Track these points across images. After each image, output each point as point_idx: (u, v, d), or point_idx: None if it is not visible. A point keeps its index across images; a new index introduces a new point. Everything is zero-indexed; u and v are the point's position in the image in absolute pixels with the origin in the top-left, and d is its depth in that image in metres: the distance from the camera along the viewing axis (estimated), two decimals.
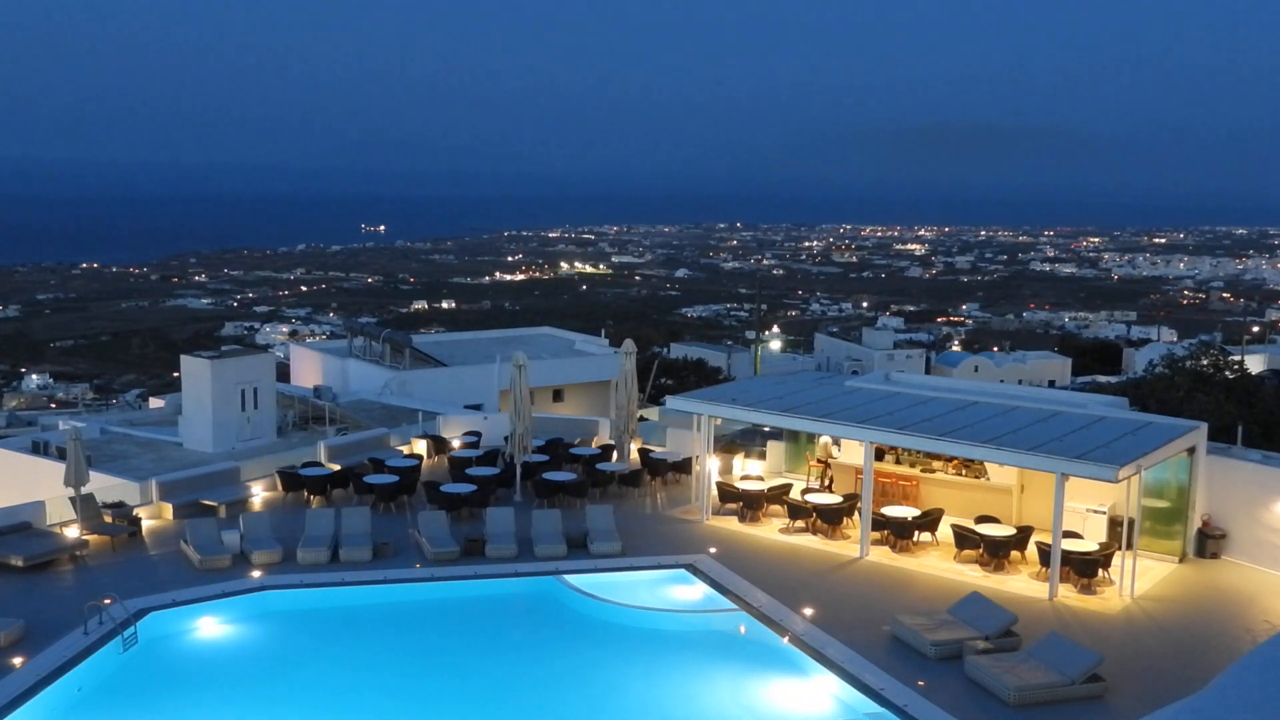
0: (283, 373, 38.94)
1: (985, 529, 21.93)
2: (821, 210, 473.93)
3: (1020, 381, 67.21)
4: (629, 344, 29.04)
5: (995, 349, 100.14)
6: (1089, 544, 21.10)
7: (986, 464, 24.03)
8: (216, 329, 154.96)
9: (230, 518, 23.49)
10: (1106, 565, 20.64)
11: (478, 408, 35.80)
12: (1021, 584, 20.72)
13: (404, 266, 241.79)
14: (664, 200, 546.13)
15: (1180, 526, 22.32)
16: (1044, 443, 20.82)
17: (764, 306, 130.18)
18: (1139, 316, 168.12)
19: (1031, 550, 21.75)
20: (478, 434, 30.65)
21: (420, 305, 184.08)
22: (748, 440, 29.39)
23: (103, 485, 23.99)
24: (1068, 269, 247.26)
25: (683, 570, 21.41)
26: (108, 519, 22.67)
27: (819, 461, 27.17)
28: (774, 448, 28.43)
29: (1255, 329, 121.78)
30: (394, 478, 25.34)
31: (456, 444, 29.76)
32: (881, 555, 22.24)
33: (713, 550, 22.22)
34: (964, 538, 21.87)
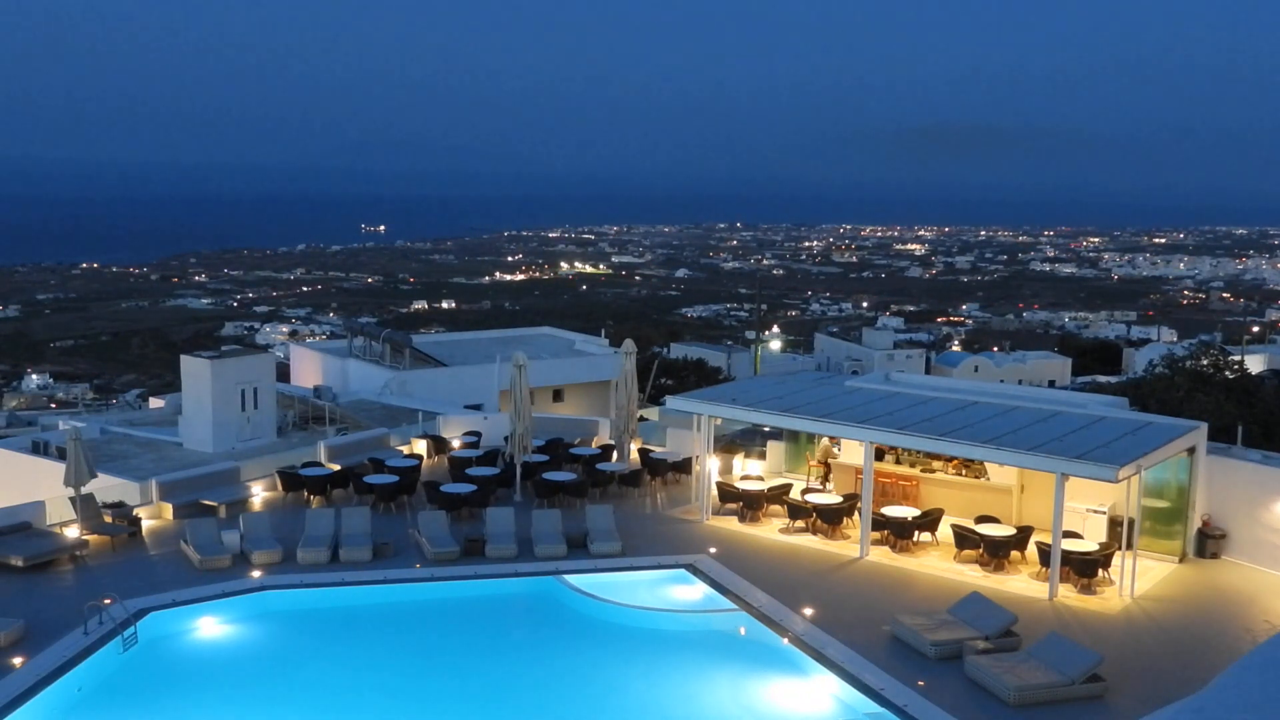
0: (283, 373, 38.94)
1: (985, 529, 21.93)
2: (821, 210, 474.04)
3: (1020, 381, 67.22)
4: (629, 344, 29.04)
5: (995, 349, 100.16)
6: (1089, 544, 21.10)
7: (986, 464, 24.03)
8: (216, 329, 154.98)
9: (230, 518, 23.50)
10: (1106, 565, 20.64)
11: (478, 408, 35.80)
12: (1021, 584, 20.72)
13: (404, 266, 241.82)
14: (664, 200, 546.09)
15: (1180, 526, 22.32)
16: (1044, 443, 20.82)
17: (764, 306, 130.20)
18: (1138, 317, 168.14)
19: (1031, 550, 21.75)
20: (478, 434, 30.65)
21: (420, 305, 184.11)
22: (748, 440, 29.39)
23: (103, 485, 23.98)
24: (1068, 269, 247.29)
25: (683, 570, 21.41)
26: (108, 519, 22.67)
27: (819, 463, 27.17)
28: (774, 448, 28.43)
29: (1255, 329, 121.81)
30: (394, 478, 25.34)
31: (456, 444, 29.76)
32: (881, 555, 22.24)
33: (713, 550, 22.21)
34: (964, 538, 21.86)
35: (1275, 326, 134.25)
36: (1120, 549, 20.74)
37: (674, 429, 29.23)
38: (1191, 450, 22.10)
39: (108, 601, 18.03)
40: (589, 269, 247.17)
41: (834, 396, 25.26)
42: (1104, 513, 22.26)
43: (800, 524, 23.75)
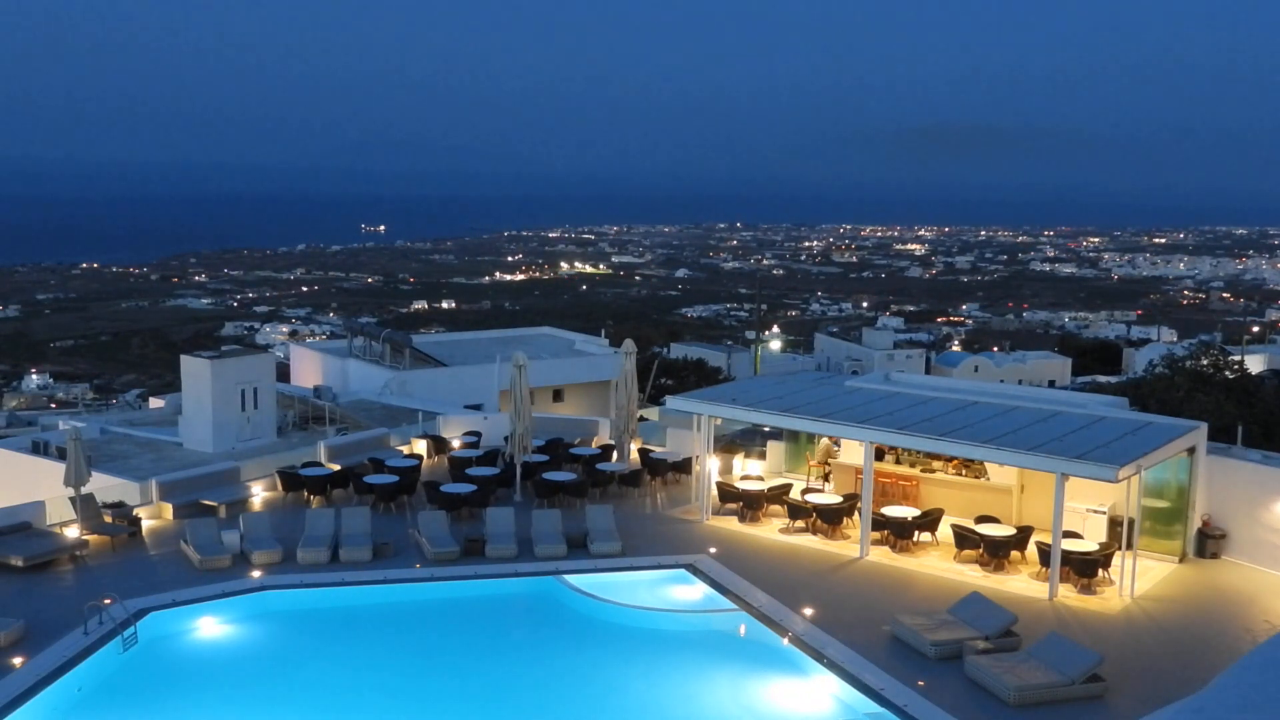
0: (283, 373, 38.94)
1: (985, 529, 21.92)
2: (821, 210, 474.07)
3: (1020, 381, 67.21)
4: (629, 344, 29.04)
5: (995, 349, 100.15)
6: (1089, 544, 21.10)
7: (986, 464, 24.03)
8: (216, 329, 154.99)
9: (230, 518, 23.49)
10: (1106, 565, 20.64)
11: (478, 408, 35.80)
12: (1021, 584, 20.72)
13: (404, 266, 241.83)
14: (664, 200, 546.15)
15: (1180, 526, 22.32)
16: (1044, 443, 20.82)
17: (764, 306, 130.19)
18: (1138, 317, 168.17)
19: (1031, 550, 21.75)
20: (478, 434, 30.65)
21: (420, 305, 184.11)
22: (748, 440, 29.38)
23: (103, 485, 23.99)
24: (1068, 269, 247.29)
25: (683, 570, 21.41)
26: (108, 519, 22.67)
27: (820, 463, 27.17)
28: (774, 448, 28.43)
29: (1255, 329, 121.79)
30: (394, 478, 25.34)
31: (456, 444, 29.76)
32: (881, 555, 22.24)
33: (713, 550, 22.21)
34: (964, 538, 21.86)
35: (1275, 326, 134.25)
36: (1120, 549, 20.74)
37: (674, 429, 29.23)
38: (1191, 450, 22.10)
39: (108, 601, 18.03)
40: (589, 269, 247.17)
41: (834, 396, 25.26)
42: (1104, 513, 22.26)
43: (800, 524, 23.75)
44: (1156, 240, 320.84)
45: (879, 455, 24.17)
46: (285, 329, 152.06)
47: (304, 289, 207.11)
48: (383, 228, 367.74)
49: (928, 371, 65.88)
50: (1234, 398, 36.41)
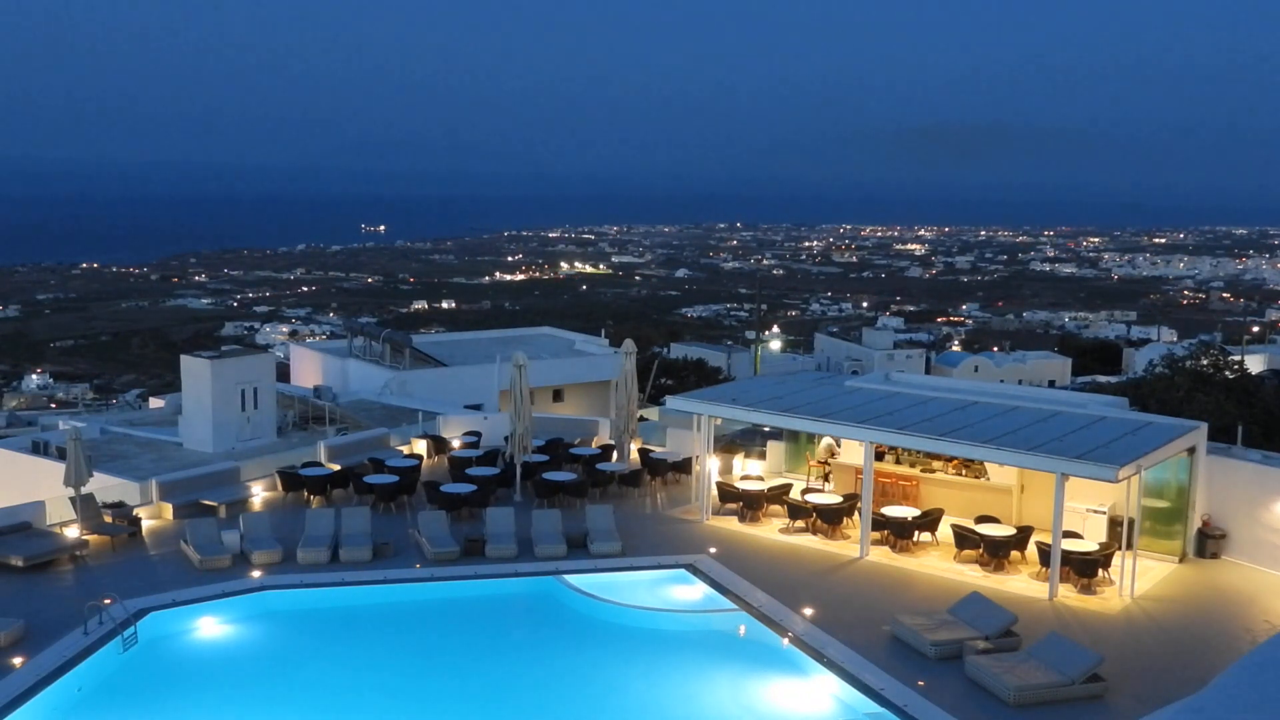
0: (283, 373, 38.94)
1: (985, 529, 21.92)
2: (821, 210, 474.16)
3: (1020, 381, 67.21)
4: (629, 344, 29.04)
5: (995, 349, 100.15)
6: (1089, 544, 21.10)
7: (986, 464, 24.03)
8: (216, 329, 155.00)
9: (230, 518, 23.49)
10: (1106, 565, 20.64)
11: (478, 408, 35.80)
12: (1021, 584, 20.72)
13: (404, 266, 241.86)
14: (664, 200, 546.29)
15: (1180, 526, 22.32)
16: (1044, 443, 20.82)
17: (764, 306, 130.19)
18: (1139, 317, 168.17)
19: (1031, 550, 21.74)
20: (478, 434, 30.65)
21: (420, 305, 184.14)
22: (748, 440, 29.38)
23: (103, 485, 23.98)
24: (1068, 269, 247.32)
25: (683, 570, 21.41)
26: (108, 519, 22.67)
27: (820, 463, 27.17)
28: (774, 448, 28.43)
29: (1255, 329, 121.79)
30: (394, 478, 25.34)
31: (456, 444, 29.76)
32: (881, 555, 22.24)
33: (713, 550, 22.21)
34: (964, 538, 21.86)
35: (1275, 326, 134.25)
36: (1120, 549, 20.74)
37: (674, 429, 29.23)
38: (1191, 450, 22.10)
39: (108, 601, 18.03)
40: (589, 269, 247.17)
41: (834, 396, 25.26)
42: (1104, 513, 22.26)
43: (800, 524, 23.75)
44: (1156, 240, 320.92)
45: (879, 455, 24.18)
46: (285, 329, 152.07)
47: (304, 289, 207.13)
48: (383, 228, 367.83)
49: (928, 371, 65.88)
50: (1234, 398, 36.41)
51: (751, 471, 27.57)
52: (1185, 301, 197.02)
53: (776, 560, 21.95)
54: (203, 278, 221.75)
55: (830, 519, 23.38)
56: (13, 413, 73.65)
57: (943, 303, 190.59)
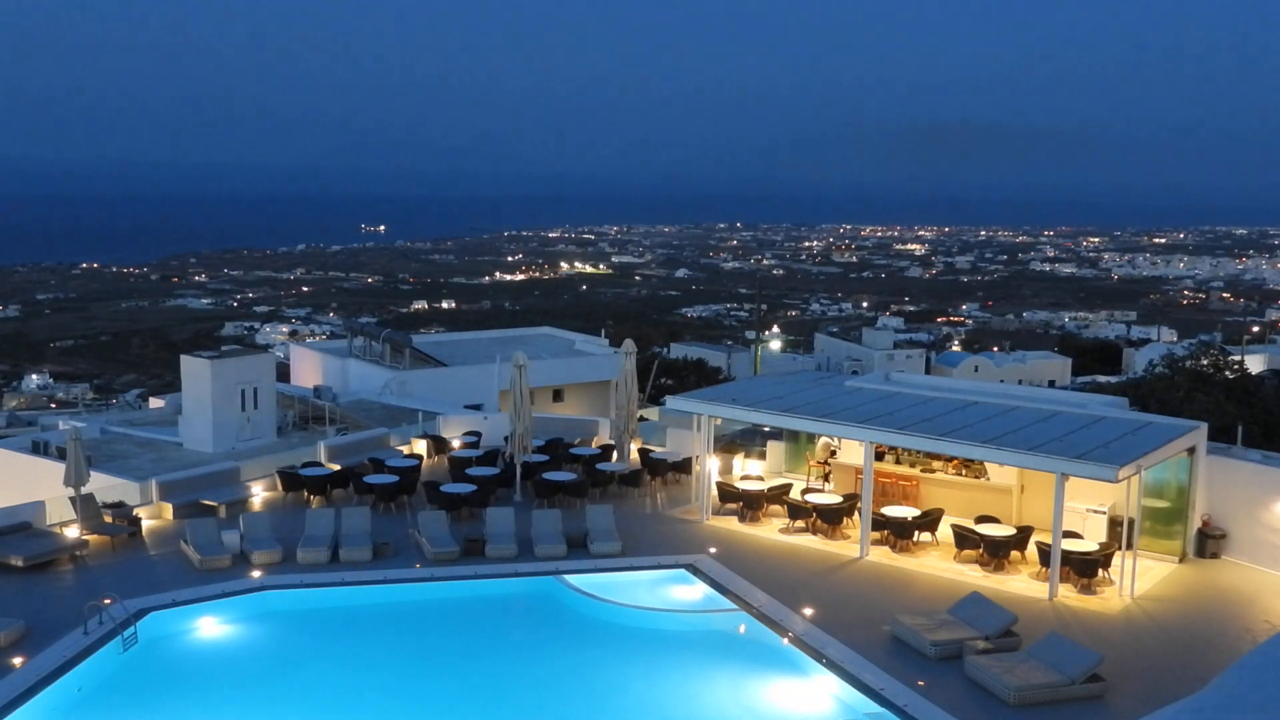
0: (283, 373, 38.93)
1: (985, 529, 21.92)
2: (821, 210, 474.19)
3: (1020, 381, 67.21)
4: (629, 344, 29.04)
5: (995, 349, 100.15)
6: (1089, 544, 21.09)
7: (986, 464, 24.03)
8: (216, 329, 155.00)
9: (230, 518, 23.49)
10: (1106, 565, 20.64)
11: (478, 408, 35.79)
12: (1021, 584, 20.72)
13: (404, 266, 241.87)
14: (664, 200, 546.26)
15: (1180, 526, 22.32)
16: (1044, 443, 20.82)
17: (764, 306, 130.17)
18: (1139, 317, 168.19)
19: (1031, 550, 21.74)
20: (478, 434, 30.65)
21: (420, 305, 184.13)
22: (748, 440, 29.38)
23: (103, 485, 23.98)
24: (1068, 269, 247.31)
25: (683, 570, 21.41)
26: (108, 519, 22.67)
27: (820, 463, 27.17)
28: (774, 448, 28.43)
29: (1255, 329, 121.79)
30: (394, 478, 25.34)
31: (456, 444, 29.76)
32: (881, 555, 22.24)
33: (713, 550, 22.21)
34: (964, 538, 21.86)
35: (1275, 326, 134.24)
36: (1120, 549, 20.74)
37: (674, 429, 29.23)
38: (1191, 450, 22.10)
39: (108, 601, 18.03)
40: (589, 269, 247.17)
41: (834, 396, 25.26)
42: (1104, 513, 22.25)
43: (800, 524, 23.75)
44: (1156, 240, 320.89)
45: (879, 455, 24.17)
46: (285, 329, 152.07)
47: (304, 289, 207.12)
48: (383, 228, 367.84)
49: (928, 371, 65.88)
50: (1234, 398, 36.42)
51: (751, 471, 27.57)
52: (1185, 301, 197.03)
53: (776, 560, 21.94)
54: (203, 278, 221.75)
55: (830, 519, 23.38)
56: (13, 413, 73.64)
57: (943, 303, 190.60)
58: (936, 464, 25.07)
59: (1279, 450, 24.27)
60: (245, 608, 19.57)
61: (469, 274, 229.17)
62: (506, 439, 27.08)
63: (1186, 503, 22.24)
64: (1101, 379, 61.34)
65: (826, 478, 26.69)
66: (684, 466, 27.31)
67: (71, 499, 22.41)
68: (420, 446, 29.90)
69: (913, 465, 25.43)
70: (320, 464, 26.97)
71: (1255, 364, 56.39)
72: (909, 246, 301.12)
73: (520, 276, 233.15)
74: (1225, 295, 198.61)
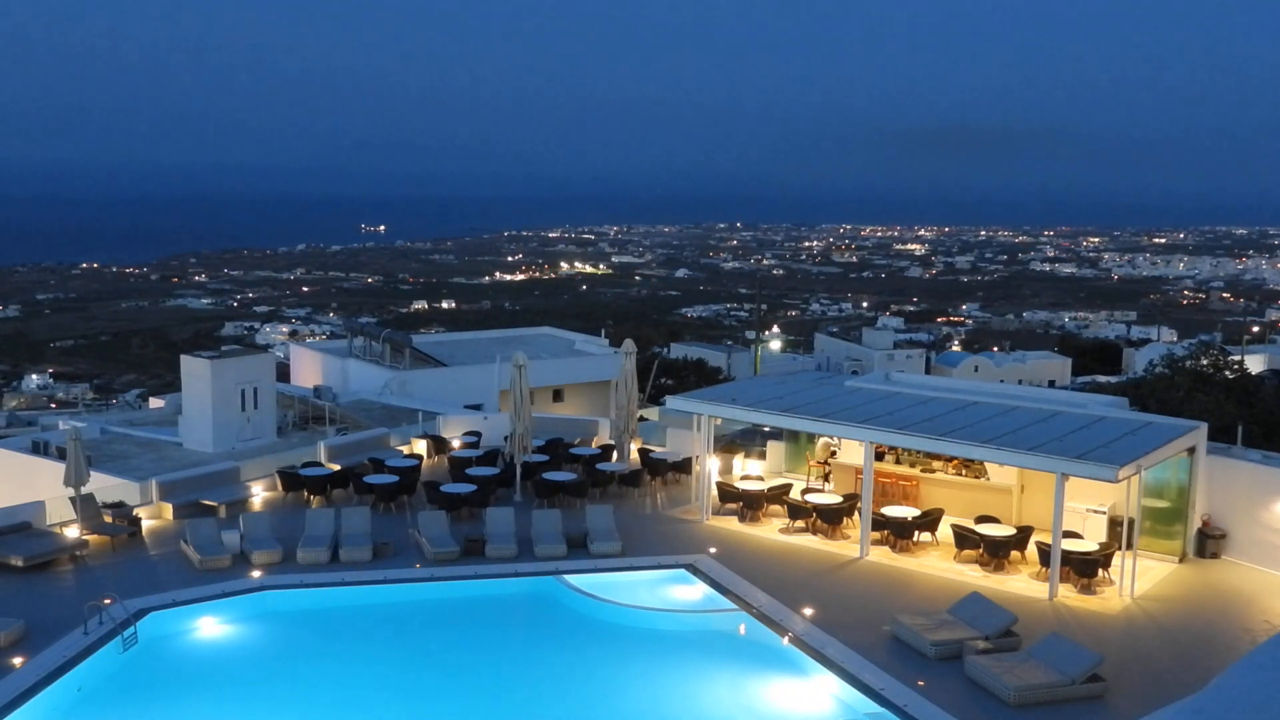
0: (283, 373, 38.94)
1: (985, 529, 21.92)
2: (821, 210, 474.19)
3: (1020, 381, 67.20)
4: (629, 344, 29.04)
5: (995, 349, 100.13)
6: (1089, 544, 21.10)
7: (986, 464, 24.03)
8: (216, 329, 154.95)
9: (230, 518, 23.49)
10: (1106, 565, 20.64)
11: (478, 408, 35.80)
12: (1021, 584, 20.72)
13: (404, 266, 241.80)
14: (664, 200, 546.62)
15: (1180, 526, 22.32)
16: (1044, 443, 20.82)
17: (764, 306, 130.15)
18: (1139, 317, 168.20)
19: (1031, 550, 21.74)
20: (478, 434, 30.65)
21: (420, 305, 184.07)
22: (748, 440, 29.38)
23: (103, 485, 23.98)
24: (1068, 269, 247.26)
25: (683, 570, 21.40)
26: (108, 519, 22.67)
27: (820, 463, 27.17)
28: (774, 448, 28.43)
29: (1255, 329, 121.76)
30: (394, 478, 25.34)
31: (456, 444, 29.76)
32: (881, 555, 22.24)
33: (713, 550, 22.21)
34: (964, 538, 21.86)
35: (1275, 326, 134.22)
36: (1120, 549, 20.74)
37: (674, 429, 29.23)
38: (1191, 450, 22.10)
39: (108, 601, 18.03)
40: (589, 269, 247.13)
41: (834, 396, 25.26)
42: (1104, 513, 22.25)
43: (800, 524, 23.75)
44: (1156, 240, 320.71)
45: (879, 455, 24.17)
46: (285, 329, 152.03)
47: (304, 289, 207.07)
48: (383, 228, 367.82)
49: (928, 371, 65.86)
50: (1234, 398, 36.41)
51: (751, 471, 27.57)
52: (1185, 301, 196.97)
53: (776, 560, 21.94)
54: (203, 278, 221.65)
55: (830, 519, 23.38)
56: (13, 413, 73.67)
57: (943, 303, 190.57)
58: (936, 464, 25.07)
59: (1279, 450, 24.26)
60: (245, 608, 19.57)
61: (469, 274, 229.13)
62: (506, 439, 27.08)
63: (1186, 503, 22.24)
64: (1101, 379, 61.32)
65: (826, 478, 26.70)
66: (684, 466, 27.31)
67: (71, 499, 22.41)
68: (420, 446, 29.90)
69: (913, 465, 25.43)
70: (320, 464, 26.97)
71: (1255, 364, 56.37)
72: (909, 246, 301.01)
73: (520, 276, 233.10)
74: (1225, 295, 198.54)
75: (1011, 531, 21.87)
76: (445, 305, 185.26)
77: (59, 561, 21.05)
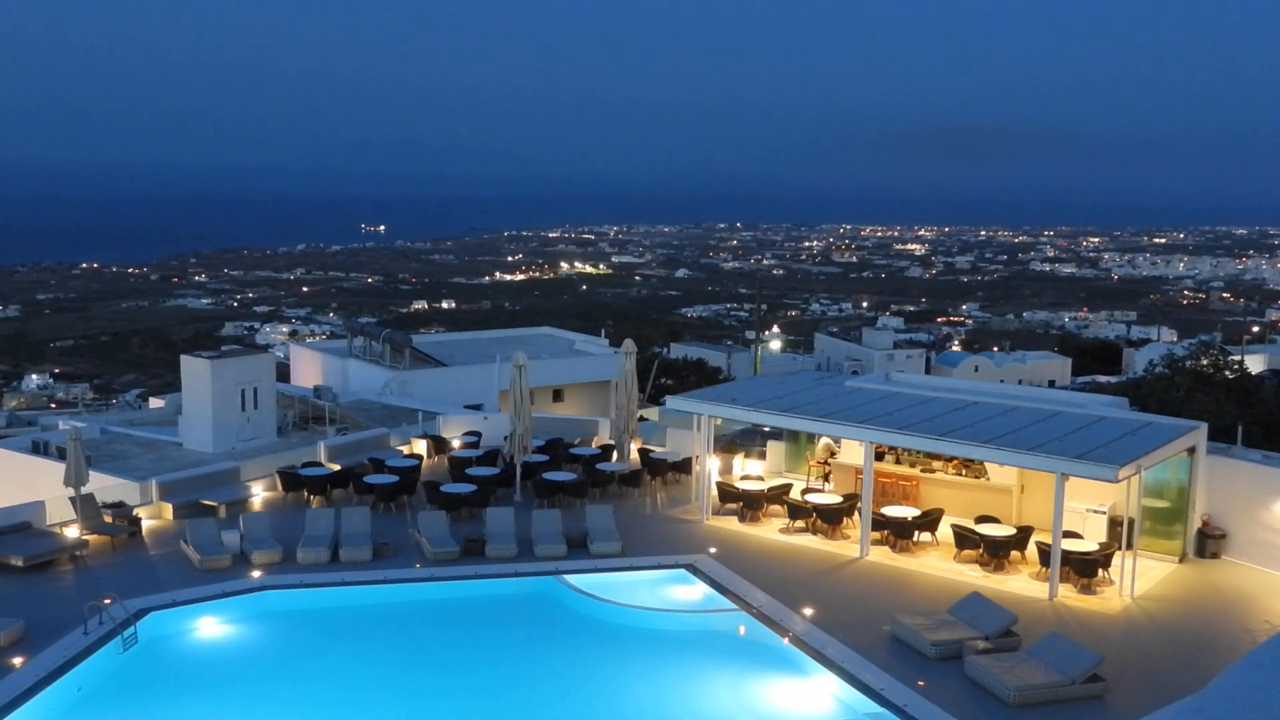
0: (283, 373, 38.94)
1: (985, 529, 21.92)
2: (821, 210, 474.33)
3: (1020, 381, 67.19)
4: (629, 344, 29.04)
5: (995, 349, 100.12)
6: (1089, 544, 21.09)
7: (986, 464, 24.03)
8: (216, 329, 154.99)
9: (230, 518, 23.49)
10: (1106, 565, 20.63)
11: (478, 408, 35.80)
12: (1021, 584, 20.72)
13: (404, 266, 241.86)
14: (664, 200, 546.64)
15: (1180, 526, 22.32)
16: (1044, 443, 20.81)
17: (764, 306, 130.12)
18: (1139, 317, 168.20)
19: (1031, 550, 21.74)
20: (478, 434, 30.65)
21: (420, 305, 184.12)
22: (748, 440, 29.38)
23: (103, 485, 23.98)
24: (1068, 269, 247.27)
25: (683, 570, 21.40)
26: (108, 519, 22.67)
27: (820, 463, 27.17)
28: (774, 448, 28.43)
29: (1255, 329, 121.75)
30: (394, 478, 25.34)
31: (456, 444, 29.76)
32: (881, 555, 22.24)
33: (713, 550, 22.21)
34: (964, 538, 21.86)
35: (1275, 326, 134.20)
36: (1120, 549, 20.74)
37: (674, 429, 29.23)
38: (1191, 450, 22.10)
39: (108, 601, 18.02)
40: (589, 269, 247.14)
41: (834, 396, 25.26)
42: (1104, 513, 22.25)
43: (800, 524, 23.75)
44: (1156, 240, 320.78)
45: (879, 455, 24.17)
46: (285, 329, 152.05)
47: (304, 289, 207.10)
48: (383, 228, 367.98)
49: (928, 371, 65.87)
50: (1234, 398, 36.41)
51: (751, 471, 27.57)
52: (1185, 301, 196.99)
53: (776, 560, 21.94)
54: (203, 278, 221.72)
55: (830, 519, 23.38)
56: (13, 413, 73.68)
57: (943, 303, 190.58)
58: (936, 464, 25.07)
59: (1279, 450, 24.26)
60: (245, 608, 19.57)
61: (469, 274, 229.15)
62: (506, 439, 27.07)
63: (1186, 503, 22.24)
64: (1101, 379, 61.32)
65: (826, 478, 26.70)
66: (684, 466, 27.31)
67: (71, 499, 22.41)
68: (420, 446, 29.90)
69: (913, 465, 25.43)
70: (320, 464, 26.97)
71: (1255, 364, 56.38)
72: (909, 246, 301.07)
73: (520, 276, 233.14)
74: (1225, 295, 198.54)
75: (1011, 531, 21.87)
76: (445, 305, 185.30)
77: (59, 561, 21.05)
